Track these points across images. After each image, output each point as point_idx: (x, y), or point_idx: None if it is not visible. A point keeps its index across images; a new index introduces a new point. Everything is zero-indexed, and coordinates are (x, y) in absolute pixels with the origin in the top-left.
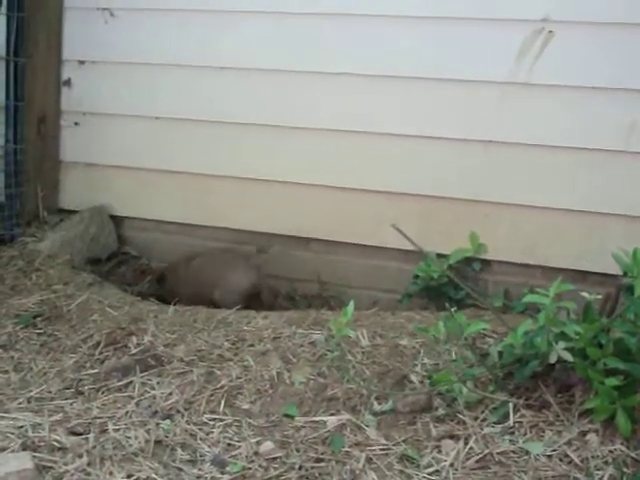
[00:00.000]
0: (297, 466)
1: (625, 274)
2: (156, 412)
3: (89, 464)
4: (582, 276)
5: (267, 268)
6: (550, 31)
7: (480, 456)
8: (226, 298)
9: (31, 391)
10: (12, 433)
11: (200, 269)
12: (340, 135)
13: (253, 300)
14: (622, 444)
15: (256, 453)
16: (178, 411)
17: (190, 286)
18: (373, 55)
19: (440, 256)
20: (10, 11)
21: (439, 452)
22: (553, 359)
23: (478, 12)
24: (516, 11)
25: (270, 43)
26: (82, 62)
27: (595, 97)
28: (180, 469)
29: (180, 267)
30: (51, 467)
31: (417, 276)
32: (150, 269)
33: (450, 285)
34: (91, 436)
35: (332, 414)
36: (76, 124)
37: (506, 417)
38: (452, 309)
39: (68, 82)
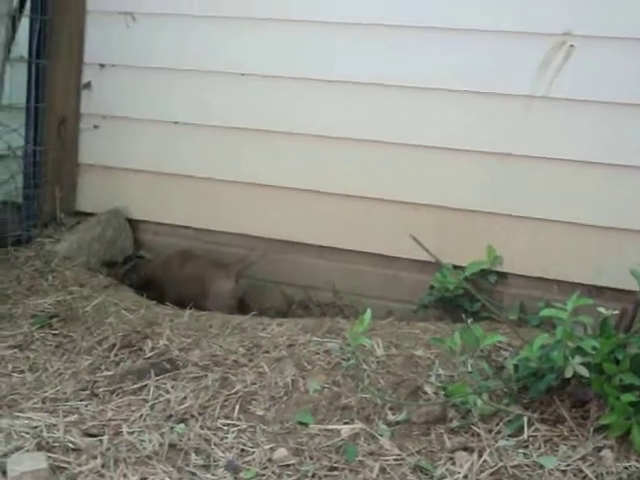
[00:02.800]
0: (310, 474)
1: None
2: (170, 416)
3: (103, 466)
4: (598, 291)
5: (281, 275)
6: (571, 45)
7: (494, 469)
8: (212, 306)
9: (46, 392)
10: (27, 433)
11: (190, 277)
12: (357, 144)
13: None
14: (637, 460)
15: (270, 460)
16: (192, 415)
17: (180, 290)
18: (393, 65)
19: (456, 268)
20: (33, 13)
21: (453, 464)
22: (569, 374)
23: (499, 25)
24: (538, 25)
25: (282, 50)
26: (103, 65)
27: (617, 112)
28: (193, 473)
29: (172, 268)
30: (65, 468)
31: (433, 287)
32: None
33: (466, 297)
34: (105, 438)
35: (346, 423)
36: (95, 127)
37: (520, 431)
38: (468, 320)
39: (88, 85)
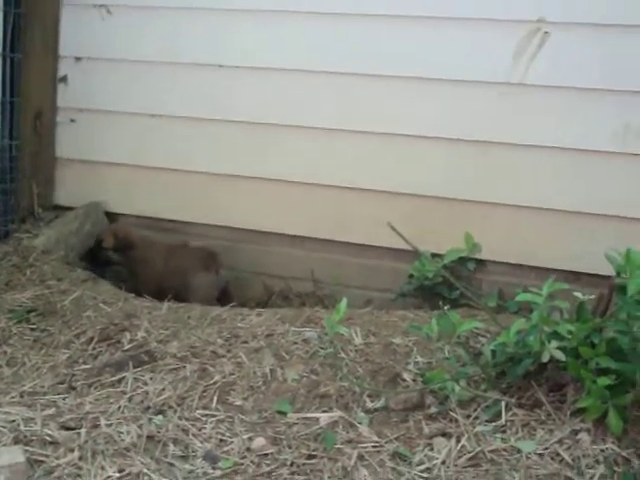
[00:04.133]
0: (289, 462)
1: (618, 274)
2: (148, 407)
3: (81, 458)
4: (576, 277)
5: (261, 266)
6: (546, 32)
7: (472, 454)
8: (195, 297)
9: (24, 386)
10: (4, 427)
11: (174, 269)
12: (335, 134)
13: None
14: (613, 443)
15: (248, 449)
16: (171, 407)
17: (162, 280)
18: (367, 55)
19: (435, 256)
20: (7, 7)
21: (431, 450)
22: (546, 358)
23: (474, 12)
24: (512, 12)
25: (270, 43)
26: (79, 59)
27: (589, 98)
28: (172, 464)
29: (154, 256)
30: (43, 461)
31: (412, 275)
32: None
33: (444, 285)
34: (83, 431)
35: (324, 411)
36: (72, 121)
37: (498, 415)
38: (445, 307)
39: (64, 79)
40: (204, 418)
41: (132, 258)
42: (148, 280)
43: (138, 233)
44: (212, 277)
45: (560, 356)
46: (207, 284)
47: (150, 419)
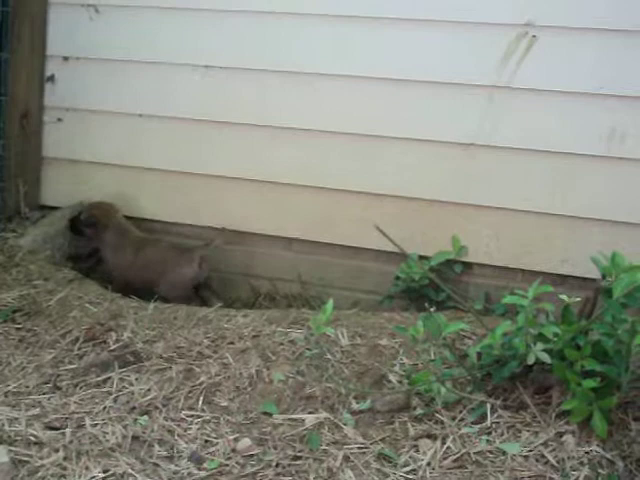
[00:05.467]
0: (274, 463)
1: (604, 277)
2: (134, 408)
3: (65, 459)
4: (562, 280)
5: (248, 267)
6: (534, 36)
7: (457, 456)
8: (170, 292)
9: (9, 385)
10: None
11: (147, 261)
12: (322, 136)
13: (201, 290)
14: (598, 445)
15: (233, 450)
16: (156, 407)
17: (135, 273)
18: (357, 57)
19: (422, 258)
20: None
21: (416, 451)
22: (531, 360)
23: (462, 15)
24: (500, 15)
25: (252, 42)
26: (66, 58)
27: (576, 102)
28: (157, 465)
29: (127, 250)
30: (27, 461)
31: (398, 277)
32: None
33: (431, 287)
34: (68, 431)
35: (310, 412)
36: (59, 120)
37: (484, 417)
38: (431, 309)
39: (52, 78)
40: (189, 419)
41: (103, 240)
42: (116, 268)
43: (115, 217)
44: (186, 273)
45: (545, 358)
46: (180, 280)
47: (135, 419)
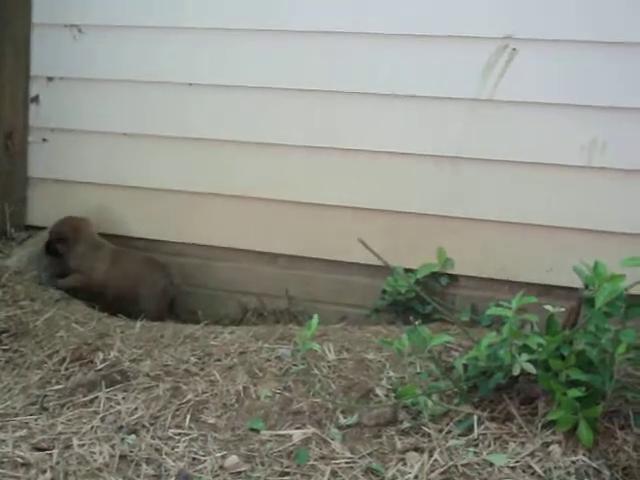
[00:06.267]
0: None
1: (586, 287)
2: (121, 427)
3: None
4: (548, 290)
5: (235, 284)
6: (514, 49)
7: (444, 468)
8: (149, 304)
9: None
10: None
11: (122, 274)
12: (307, 151)
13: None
14: (584, 455)
15: (221, 467)
16: (143, 426)
17: (110, 286)
18: (340, 71)
19: (408, 271)
20: None
21: (404, 465)
22: (516, 371)
23: (443, 29)
24: (480, 29)
25: (234, 60)
26: (50, 78)
27: (557, 113)
28: None
29: (101, 259)
30: None
31: (385, 291)
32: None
33: (418, 300)
34: (55, 452)
35: (298, 428)
36: (44, 140)
37: (470, 429)
38: (417, 322)
39: (36, 98)
40: (177, 437)
41: (69, 251)
42: (83, 277)
43: (86, 229)
44: (162, 287)
45: (531, 369)
46: (158, 294)
47: (123, 439)
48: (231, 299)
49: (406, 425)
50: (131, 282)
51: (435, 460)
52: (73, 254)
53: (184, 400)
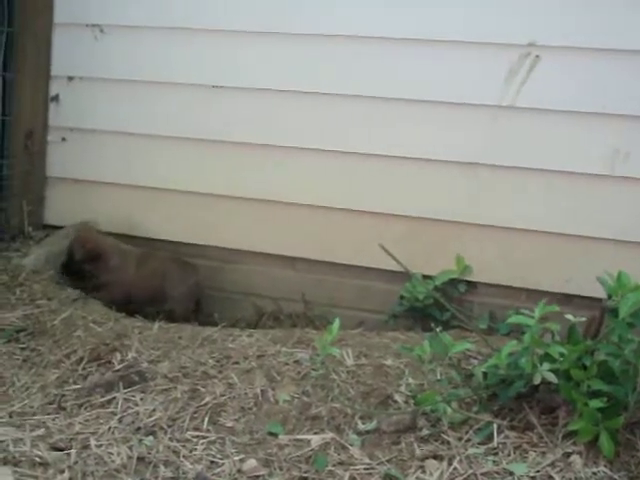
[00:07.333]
0: None
1: (609, 297)
2: (139, 428)
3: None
4: (567, 299)
5: (252, 287)
6: (537, 56)
7: (464, 477)
8: (178, 304)
9: (13, 406)
10: None
11: (151, 275)
12: (327, 155)
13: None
14: (605, 466)
15: (239, 471)
16: (161, 428)
17: (132, 288)
18: (360, 76)
19: (426, 277)
20: (0, 26)
21: (423, 472)
22: (537, 380)
23: (466, 36)
24: (503, 35)
25: (258, 61)
26: (71, 78)
27: (579, 122)
28: None
29: (129, 265)
30: None
31: (403, 297)
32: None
33: (436, 306)
34: (73, 452)
35: (316, 433)
36: (63, 140)
37: (490, 438)
38: (437, 329)
39: (56, 98)
40: (195, 439)
41: (102, 267)
42: (117, 289)
43: (106, 239)
44: (190, 287)
45: (552, 378)
46: (186, 294)
47: (140, 440)
48: (247, 302)
49: (425, 432)
50: (158, 282)
51: (454, 468)
52: (102, 269)
53: (202, 402)
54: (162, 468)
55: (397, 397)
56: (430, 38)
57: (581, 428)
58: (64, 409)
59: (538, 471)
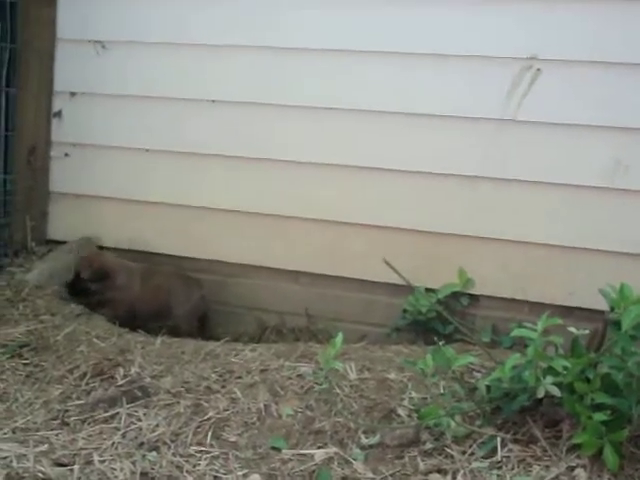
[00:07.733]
0: None
1: (612, 309)
2: (142, 444)
3: None
4: (569, 312)
5: (255, 301)
6: (538, 69)
7: None
8: (183, 320)
9: (16, 421)
10: None
11: (156, 291)
12: (330, 169)
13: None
14: (609, 479)
15: None
16: (164, 443)
17: (142, 304)
18: (362, 90)
19: (429, 291)
20: (3, 42)
21: None
22: (541, 394)
23: (468, 50)
24: (505, 49)
25: (262, 77)
26: (73, 94)
27: (580, 134)
28: None
29: (134, 282)
30: None
31: (406, 310)
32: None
33: (438, 320)
34: (76, 467)
35: (319, 447)
36: (66, 155)
37: (494, 451)
38: (440, 343)
39: (59, 113)
40: (198, 454)
41: (108, 285)
42: (122, 305)
43: (112, 258)
44: (195, 302)
45: (555, 392)
46: (190, 309)
47: (144, 455)
48: (250, 316)
49: (429, 446)
50: (163, 298)
51: None
52: (108, 288)
53: (205, 417)
54: None
55: (400, 411)
56: (432, 52)
57: (585, 441)
58: (67, 424)
59: None
